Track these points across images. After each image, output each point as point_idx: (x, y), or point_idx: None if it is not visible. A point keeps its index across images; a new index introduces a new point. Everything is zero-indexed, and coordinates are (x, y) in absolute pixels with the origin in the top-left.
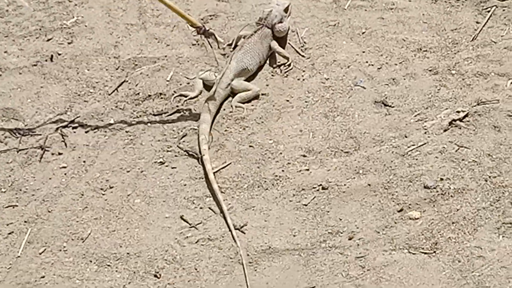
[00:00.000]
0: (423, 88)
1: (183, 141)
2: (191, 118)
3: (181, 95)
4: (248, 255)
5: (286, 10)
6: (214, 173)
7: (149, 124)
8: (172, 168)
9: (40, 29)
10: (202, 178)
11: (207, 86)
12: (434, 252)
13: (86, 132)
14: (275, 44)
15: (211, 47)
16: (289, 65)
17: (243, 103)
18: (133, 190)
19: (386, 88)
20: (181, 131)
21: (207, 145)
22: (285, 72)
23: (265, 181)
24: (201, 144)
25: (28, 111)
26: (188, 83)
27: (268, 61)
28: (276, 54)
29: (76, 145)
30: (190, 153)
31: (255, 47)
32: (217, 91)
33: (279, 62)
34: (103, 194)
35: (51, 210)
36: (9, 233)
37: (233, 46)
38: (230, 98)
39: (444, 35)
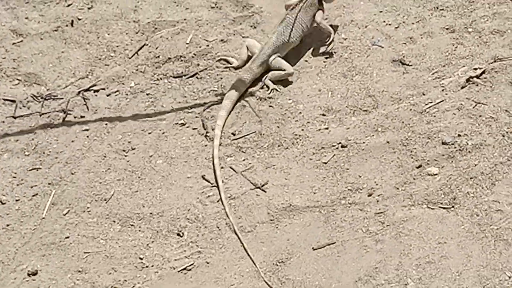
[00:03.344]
0: (440, 46)
1: (208, 111)
2: (211, 81)
3: (224, 60)
4: (268, 213)
5: None
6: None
7: (169, 87)
8: (193, 129)
9: None
10: (222, 138)
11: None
12: (453, 207)
13: (107, 95)
14: (319, 16)
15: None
16: (332, 42)
17: (275, 81)
18: (154, 151)
19: (404, 47)
20: (201, 93)
21: (223, 121)
22: (327, 52)
23: (285, 140)
24: (217, 119)
25: (50, 75)
26: (208, 46)
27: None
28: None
29: (97, 108)
30: (205, 124)
31: (299, 18)
32: (250, 67)
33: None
34: (125, 156)
35: (74, 172)
36: (34, 195)
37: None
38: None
39: None
